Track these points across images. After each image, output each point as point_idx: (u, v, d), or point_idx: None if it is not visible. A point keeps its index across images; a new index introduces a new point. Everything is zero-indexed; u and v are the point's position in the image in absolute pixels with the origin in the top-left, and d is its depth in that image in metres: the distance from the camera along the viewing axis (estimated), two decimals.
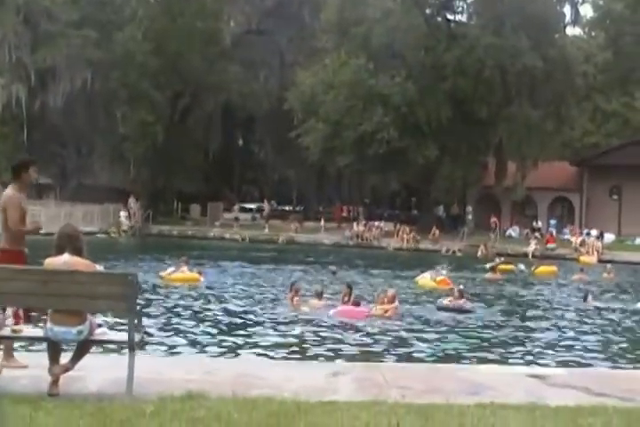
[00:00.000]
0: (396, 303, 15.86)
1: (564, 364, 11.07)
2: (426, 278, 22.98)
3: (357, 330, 14.00)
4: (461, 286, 18.81)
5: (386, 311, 15.43)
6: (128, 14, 49.32)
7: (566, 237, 46.12)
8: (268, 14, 56.08)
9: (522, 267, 30.55)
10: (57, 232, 6.36)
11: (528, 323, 16.12)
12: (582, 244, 41.67)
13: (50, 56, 46.05)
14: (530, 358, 11.79)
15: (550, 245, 42.35)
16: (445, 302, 17.20)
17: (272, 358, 10.69)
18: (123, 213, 46.03)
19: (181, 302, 16.93)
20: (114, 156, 50.95)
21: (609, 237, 45.48)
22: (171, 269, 21.68)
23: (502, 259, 31.66)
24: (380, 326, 14.47)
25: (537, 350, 12.69)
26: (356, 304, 16.00)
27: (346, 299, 16.94)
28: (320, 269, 26.96)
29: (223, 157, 58.62)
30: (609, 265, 30.93)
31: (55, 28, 45.91)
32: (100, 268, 6.39)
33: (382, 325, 14.59)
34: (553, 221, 50.34)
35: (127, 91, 48.27)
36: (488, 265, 28.04)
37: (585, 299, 20.19)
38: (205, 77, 51.17)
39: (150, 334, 11.57)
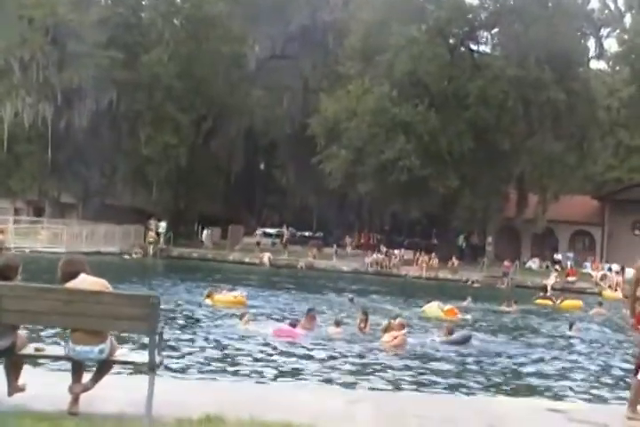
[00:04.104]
0: (404, 331, 15.74)
1: (583, 398, 10.99)
2: (433, 308, 22.91)
3: (370, 358, 13.95)
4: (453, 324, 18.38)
5: (395, 338, 15.34)
6: (154, 37, 49.92)
7: (586, 270, 45.84)
8: (293, 39, 56.48)
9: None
10: (62, 262, 6.40)
11: (544, 355, 15.97)
12: (603, 278, 41.43)
13: (76, 76, 46.56)
14: (546, 390, 11.69)
15: (570, 278, 42.11)
16: (437, 339, 16.88)
17: (291, 382, 10.68)
18: (151, 233, 46.49)
19: (212, 326, 17.00)
20: (136, 177, 51.32)
21: (630, 272, 45.07)
22: (224, 292, 22.12)
23: (541, 294, 32.08)
24: (389, 355, 14.41)
25: (552, 383, 12.57)
26: (293, 325, 16.10)
27: (362, 325, 16.94)
28: (338, 295, 26.93)
29: (245, 181, 58.82)
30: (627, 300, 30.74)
31: (82, 49, 46.47)
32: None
33: (392, 354, 14.53)
34: (570, 255, 50.03)
35: (151, 113, 48.74)
36: (506, 307, 27.21)
37: (570, 328, 20.40)
38: (229, 101, 51.60)
39: (170, 356, 11.58)
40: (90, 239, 43.06)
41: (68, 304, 5.95)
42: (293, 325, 16.27)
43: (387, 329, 16.02)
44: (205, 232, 51.34)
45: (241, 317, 16.95)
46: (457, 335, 16.61)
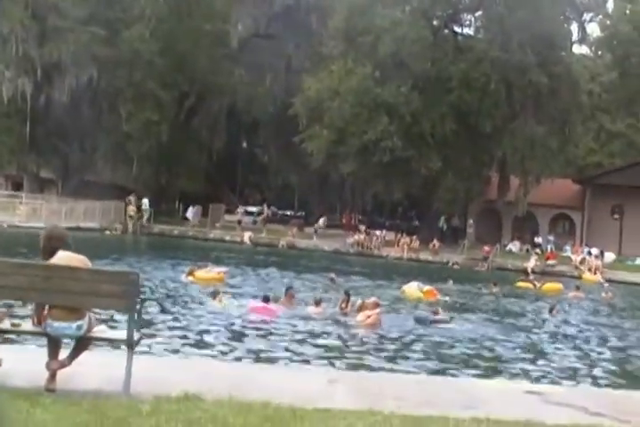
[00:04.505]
0: (378, 310, 15.71)
1: (561, 381, 11.06)
2: (412, 288, 22.97)
3: (350, 338, 13.97)
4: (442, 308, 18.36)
5: (367, 317, 15.34)
6: (136, 13, 49.30)
7: (567, 254, 46.17)
8: (276, 19, 56.09)
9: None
10: (43, 235, 6.31)
11: (524, 337, 16.07)
12: (582, 262, 41.75)
13: (57, 51, 46.10)
14: (524, 373, 11.76)
15: (550, 262, 42.39)
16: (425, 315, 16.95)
17: (269, 361, 10.67)
18: (131, 207, 46.31)
19: (191, 302, 16.98)
20: (117, 153, 51.01)
21: (609, 256, 45.51)
22: (209, 269, 22.12)
23: (523, 277, 32.40)
24: (366, 334, 14.43)
25: (530, 366, 12.64)
26: (266, 301, 16.01)
27: (343, 306, 16.95)
28: (319, 275, 26.95)
29: (226, 159, 58.64)
30: (606, 285, 31.08)
31: (63, 24, 45.95)
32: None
33: (368, 333, 14.55)
34: (551, 238, 50.39)
35: (133, 89, 48.34)
36: (486, 290, 27.36)
37: (550, 311, 20.52)
38: (211, 79, 51.25)
39: (147, 336, 11.54)
40: (69, 215, 42.77)
41: (46, 280, 5.91)
42: (267, 299, 16.15)
43: (361, 308, 16.03)
44: (191, 209, 51.15)
45: (214, 295, 16.85)
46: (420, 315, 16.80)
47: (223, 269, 23.21)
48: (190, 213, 50.89)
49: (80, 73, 47.36)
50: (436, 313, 16.83)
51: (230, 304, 16.69)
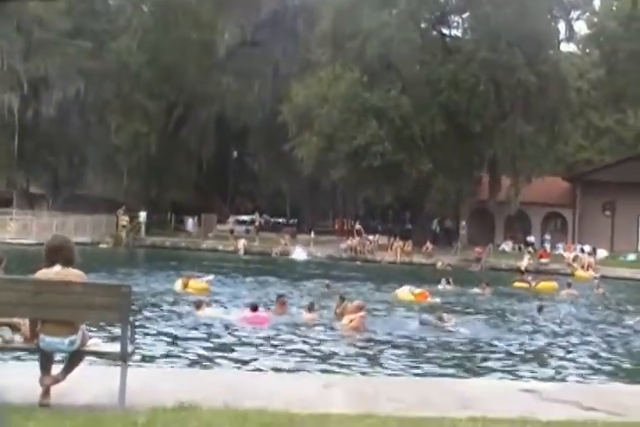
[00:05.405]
0: (362, 313, 15.63)
1: (554, 378, 11.09)
2: (404, 291, 23.03)
3: (344, 343, 13.95)
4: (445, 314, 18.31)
5: (351, 321, 15.29)
6: (122, 24, 49.38)
7: (559, 251, 46.30)
8: (263, 26, 56.13)
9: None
10: (46, 244, 6.33)
11: (516, 337, 16.07)
12: (575, 259, 41.85)
13: (43, 65, 46.06)
14: (517, 372, 11.77)
15: (543, 260, 42.49)
16: (430, 318, 16.87)
17: (263, 369, 10.66)
18: (124, 217, 46.29)
19: (176, 312, 16.92)
20: (107, 166, 50.95)
21: (601, 252, 45.63)
22: (200, 279, 22.16)
23: (518, 277, 32.47)
24: (354, 338, 14.42)
25: (524, 363, 12.66)
26: (254, 309, 15.97)
27: (338, 311, 16.92)
28: (314, 281, 26.93)
29: (217, 168, 58.57)
30: (596, 281, 31.21)
31: (48, 37, 45.90)
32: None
33: (354, 337, 14.53)
34: (548, 237, 50.54)
35: (120, 101, 48.35)
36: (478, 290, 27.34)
37: (539, 311, 20.49)
38: (199, 88, 51.23)
39: (140, 347, 11.52)
40: (60, 230, 42.47)
41: (36, 295, 5.91)
42: (255, 308, 16.09)
43: (343, 312, 16.00)
44: (190, 221, 51.41)
45: (197, 305, 16.75)
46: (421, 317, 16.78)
47: (208, 277, 23.16)
48: (190, 224, 51.07)
49: (67, 86, 47.34)
50: (441, 319, 16.74)
51: (216, 313, 16.61)
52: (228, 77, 52.82)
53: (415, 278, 28.50)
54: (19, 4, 42.07)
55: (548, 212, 53.09)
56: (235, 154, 63.82)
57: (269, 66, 54.90)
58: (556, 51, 51.68)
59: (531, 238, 50.40)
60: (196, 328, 14.68)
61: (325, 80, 46.47)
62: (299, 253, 42.98)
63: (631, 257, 45.22)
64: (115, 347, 6.20)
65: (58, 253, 6.19)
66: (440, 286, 26.77)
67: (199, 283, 21.94)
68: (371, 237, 46.21)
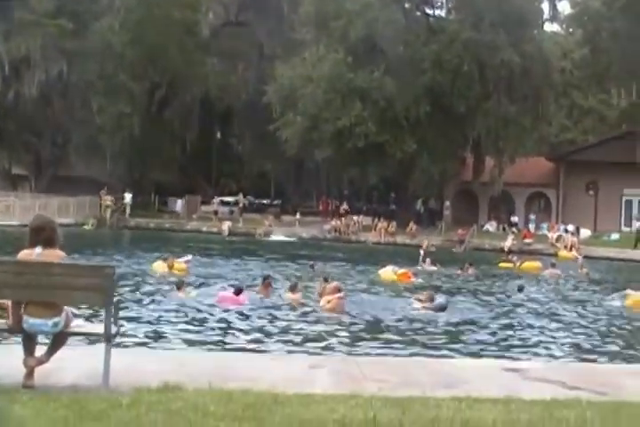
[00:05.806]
0: (340, 295, 15.63)
1: (538, 358, 11.15)
2: (387, 272, 23.08)
3: (328, 323, 13.96)
4: (439, 295, 18.29)
5: (328, 302, 15.30)
6: (105, 4, 48.89)
7: (543, 232, 46.53)
8: (247, 6, 55.79)
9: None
10: (29, 224, 6.28)
11: (500, 316, 16.14)
12: (558, 239, 42.05)
13: (24, 46, 45.61)
14: (502, 351, 11.83)
15: (527, 240, 42.69)
16: (418, 306, 16.80)
17: (248, 350, 10.66)
18: (108, 197, 46.15)
19: (158, 293, 16.87)
20: (90, 147, 50.65)
21: (585, 232, 45.88)
22: (171, 260, 22.06)
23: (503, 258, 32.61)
24: (338, 319, 14.42)
25: (508, 343, 12.73)
26: (238, 292, 15.94)
27: (320, 292, 16.91)
28: (298, 262, 26.96)
29: (201, 149, 58.36)
30: (580, 260, 31.37)
31: (30, 17, 45.42)
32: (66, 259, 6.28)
33: (335, 317, 14.54)
34: (532, 217, 50.76)
35: (103, 82, 47.98)
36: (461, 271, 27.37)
37: (520, 290, 20.54)
38: (183, 69, 50.91)
39: (124, 328, 11.49)
40: (43, 211, 42.16)
41: (18, 276, 5.86)
42: (239, 290, 16.09)
43: (322, 293, 16.01)
44: (179, 202, 51.30)
45: (177, 286, 16.73)
46: (436, 303, 16.52)
47: (186, 257, 23.02)
48: (179, 205, 51.03)
49: (49, 67, 46.97)
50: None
51: (197, 295, 16.59)
52: (212, 58, 52.58)
53: (399, 259, 28.55)
54: None
55: (532, 192, 53.30)
56: (219, 135, 63.68)
57: (254, 46, 54.61)
58: (539, 31, 51.73)
59: (514, 219, 50.62)
60: (177, 310, 14.63)
61: (310, 60, 46.35)
62: (277, 235, 43.10)
63: (614, 236, 45.48)
64: (99, 328, 6.17)
65: (39, 233, 6.13)
66: (422, 267, 26.81)
67: (177, 263, 21.85)
68: (355, 218, 46.30)
